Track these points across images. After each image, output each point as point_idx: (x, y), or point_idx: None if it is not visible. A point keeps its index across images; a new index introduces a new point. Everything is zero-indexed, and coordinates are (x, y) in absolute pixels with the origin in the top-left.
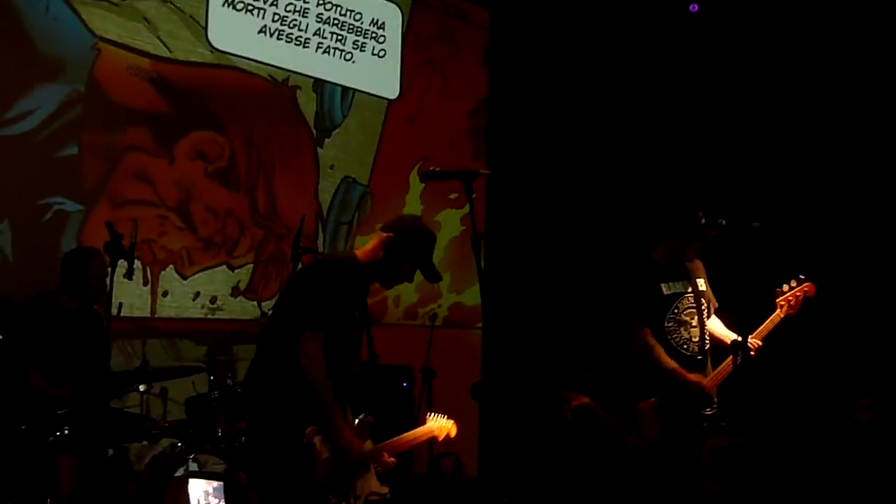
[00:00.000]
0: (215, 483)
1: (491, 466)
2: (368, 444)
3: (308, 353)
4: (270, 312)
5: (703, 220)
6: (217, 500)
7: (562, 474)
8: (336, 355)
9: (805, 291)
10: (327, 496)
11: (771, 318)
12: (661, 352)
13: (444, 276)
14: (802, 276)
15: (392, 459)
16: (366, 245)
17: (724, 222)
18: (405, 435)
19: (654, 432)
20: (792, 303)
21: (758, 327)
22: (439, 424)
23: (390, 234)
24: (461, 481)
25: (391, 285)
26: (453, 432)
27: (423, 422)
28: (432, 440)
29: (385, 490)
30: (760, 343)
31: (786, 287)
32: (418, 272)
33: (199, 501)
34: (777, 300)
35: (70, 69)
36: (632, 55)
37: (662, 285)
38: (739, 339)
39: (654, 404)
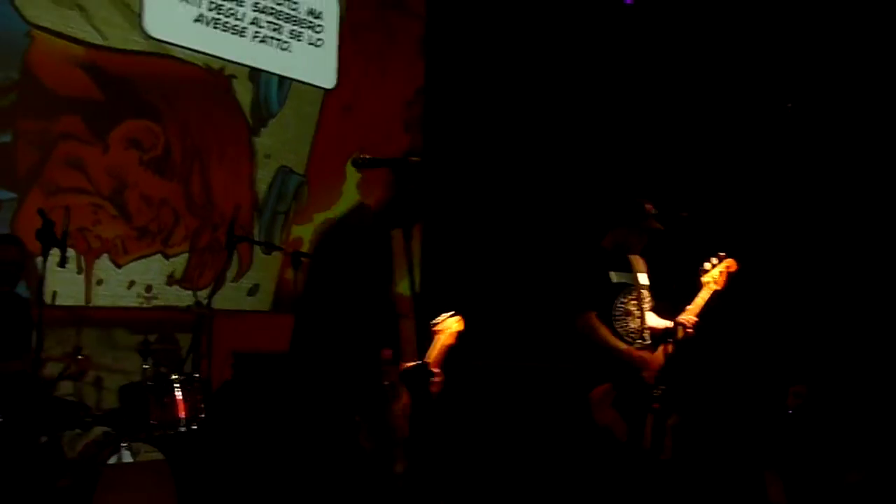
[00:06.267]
0: None
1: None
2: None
3: None
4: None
5: (652, 211)
6: None
7: (496, 464)
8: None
9: (727, 267)
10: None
11: (699, 295)
12: (608, 333)
13: None
14: (723, 253)
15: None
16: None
17: (686, 215)
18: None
19: (608, 417)
20: (717, 279)
21: (687, 306)
22: (441, 329)
23: None
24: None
25: None
26: (460, 326)
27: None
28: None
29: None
30: (696, 319)
31: (708, 265)
32: None
33: None
34: (702, 278)
35: (3, 56)
36: (568, 46)
37: (612, 273)
38: (671, 325)
39: (605, 390)
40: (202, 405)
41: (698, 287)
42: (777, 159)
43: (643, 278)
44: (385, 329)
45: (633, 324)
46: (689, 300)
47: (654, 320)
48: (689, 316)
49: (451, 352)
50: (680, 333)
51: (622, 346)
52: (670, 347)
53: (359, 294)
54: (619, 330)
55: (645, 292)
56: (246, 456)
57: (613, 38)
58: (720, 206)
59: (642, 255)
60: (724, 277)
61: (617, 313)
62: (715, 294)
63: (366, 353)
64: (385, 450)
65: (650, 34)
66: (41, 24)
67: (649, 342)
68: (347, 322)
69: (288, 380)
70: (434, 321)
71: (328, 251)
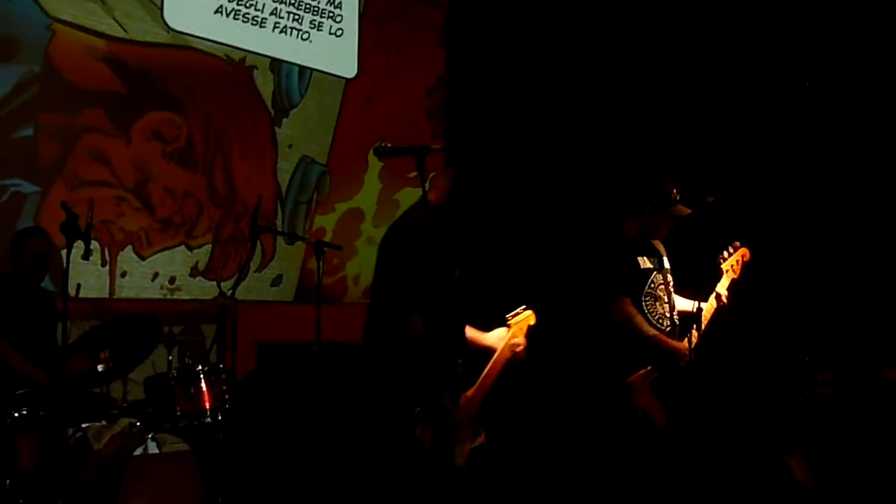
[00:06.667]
0: None
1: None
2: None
3: None
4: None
5: (677, 196)
6: None
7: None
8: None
9: (742, 256)
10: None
11: (720, 283)
12: (643, 320)
13: None
14: (737, 243)
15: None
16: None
17: (711, 200)
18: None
19: (647, 403)
20: (734, 268)
21: (710, 293)
22: (515, 322)
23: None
24: None
25: None
26: (532, 320)
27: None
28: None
29: (483, 436)
30: (727, 292)
31: (726, 253)
32: None
33: None
34: (722, 266)
35: (25, 50)
36: (589, 31)
37: (639, 258)
38: (697, 307)
39: (644, 375)
40: (227, 396)
41: (718, 273)
42: (805, 142)
43: (666, 262)
44: (451, 323)
45: (662, 308)
46: (709, 285)
47: (683, 302)
48: (723, 288)
49: None
50: (715, 304)
51: (657, 333)
52: (696, 335)
53: (427, 286)
54: (649, 315)
55: (669, 276)
56: (271, 446)
57: (635, 23)
58: (747, 191)
59: (662, 240)
60: (739, 266)
61: (647, 299)
62: (733, 282)
63: (434, 344)
64: (445, 443)
65: (674, 20)
66: (62, 17)
67: (678, 325)
68: (418, 314)
69: (356, 371)
70: (509, 314)
71: (396, 244)
